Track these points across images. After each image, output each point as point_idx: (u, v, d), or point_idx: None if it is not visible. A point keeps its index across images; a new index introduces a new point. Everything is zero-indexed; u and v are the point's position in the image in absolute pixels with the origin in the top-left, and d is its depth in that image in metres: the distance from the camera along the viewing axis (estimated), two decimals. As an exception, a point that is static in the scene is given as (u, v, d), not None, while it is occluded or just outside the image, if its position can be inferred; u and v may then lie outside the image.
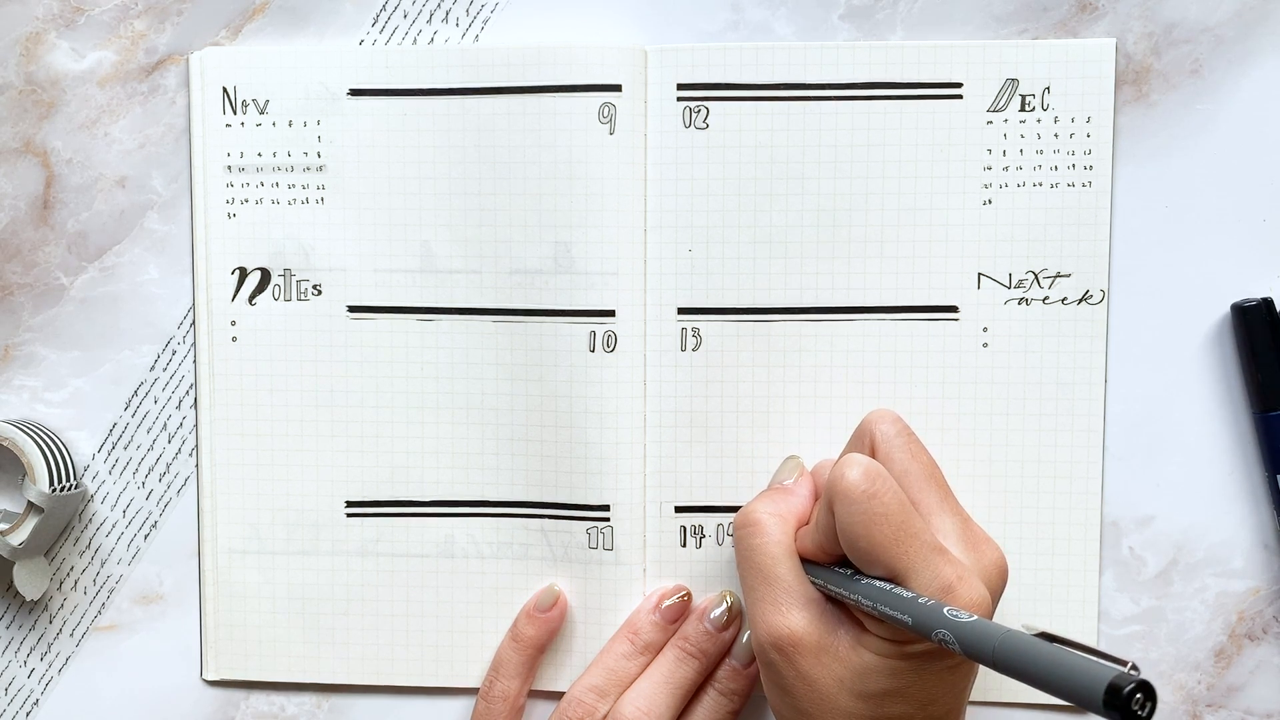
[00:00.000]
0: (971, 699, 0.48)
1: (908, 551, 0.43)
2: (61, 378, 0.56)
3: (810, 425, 0.53)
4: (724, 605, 0.53)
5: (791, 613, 0.46)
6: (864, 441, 0.48)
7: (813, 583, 0.46)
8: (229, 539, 0.55)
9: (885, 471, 0.44)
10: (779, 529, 0.48)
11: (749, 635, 0.53)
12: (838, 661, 0.45)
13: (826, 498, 0.45)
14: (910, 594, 0.42)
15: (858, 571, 0.45)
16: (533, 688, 0.55)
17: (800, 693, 0.45)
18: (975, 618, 0.40)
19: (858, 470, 0.43)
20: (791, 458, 0.53)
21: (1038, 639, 0.38)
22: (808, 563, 0.47)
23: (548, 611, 0.54)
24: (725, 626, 0.53)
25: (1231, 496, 0.53)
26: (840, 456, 0.47)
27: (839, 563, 0.46)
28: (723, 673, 0.53)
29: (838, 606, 0.46)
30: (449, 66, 0.53)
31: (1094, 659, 0.36)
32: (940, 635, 0.40)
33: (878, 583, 0.43)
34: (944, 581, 0.42)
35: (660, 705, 0.52)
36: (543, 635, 0.54)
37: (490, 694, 0.54)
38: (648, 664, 0.53)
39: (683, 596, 0.53)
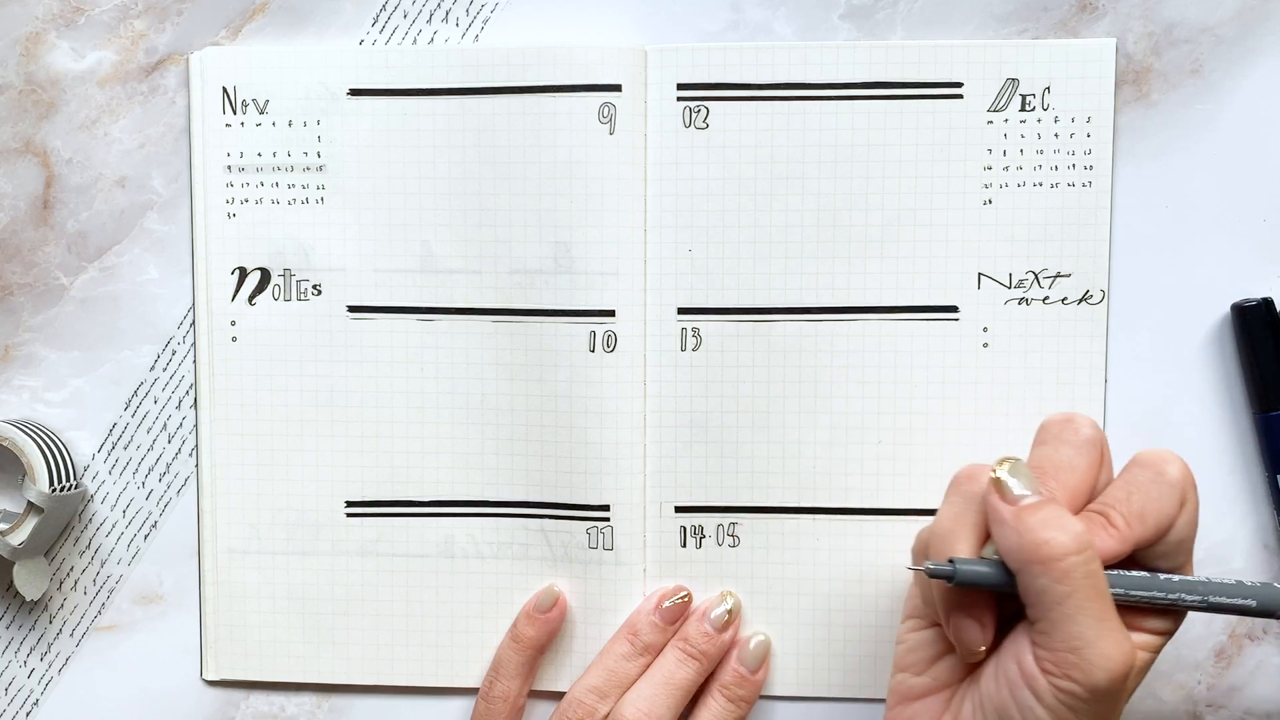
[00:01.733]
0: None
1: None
2: (61, 378, 0.56)
3: (810, 425, 0.53)
4: (724, 606, 0.53)
5: (1128, 634, 0.41)
6: (1090, 446, 0.45)
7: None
8: (229, 539, 0.55)
9: None
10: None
11: (761, 641, 0.53)
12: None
13: (1177, 491, 0.43)
14: (1232, 580, 0.43)
15: (1152, 569, 0.44)
16: (533, 688, 0.55)
17: (1112, 714, 0.42)
18: None
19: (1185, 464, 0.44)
20: (1018, 461, 0.43)
21: None
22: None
23: (548, 612, 0.54)
24: (725, 627, 0.53)
25: (1231, 496, 0.53)
26: (1039, 454, 0.45)
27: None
28: (730, 678, 0.53)
29: None
30: (449, 66, 0.53)
31: None
32: None
33: (1178, 577, 0.43)
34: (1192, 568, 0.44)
35: (661, 707, 0.52)
36: (543, 636, 0.54)
37: (490, 694, 0.54)
38: (647, 665, 0.53)
39: (683, 597, 0.53)
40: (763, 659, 0.53)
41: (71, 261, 0.56)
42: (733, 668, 0.53)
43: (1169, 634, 0.44)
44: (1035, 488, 0.42)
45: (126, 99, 0.55)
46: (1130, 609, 0.43)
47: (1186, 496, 0.43)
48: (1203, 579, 0.43)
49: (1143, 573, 0.43)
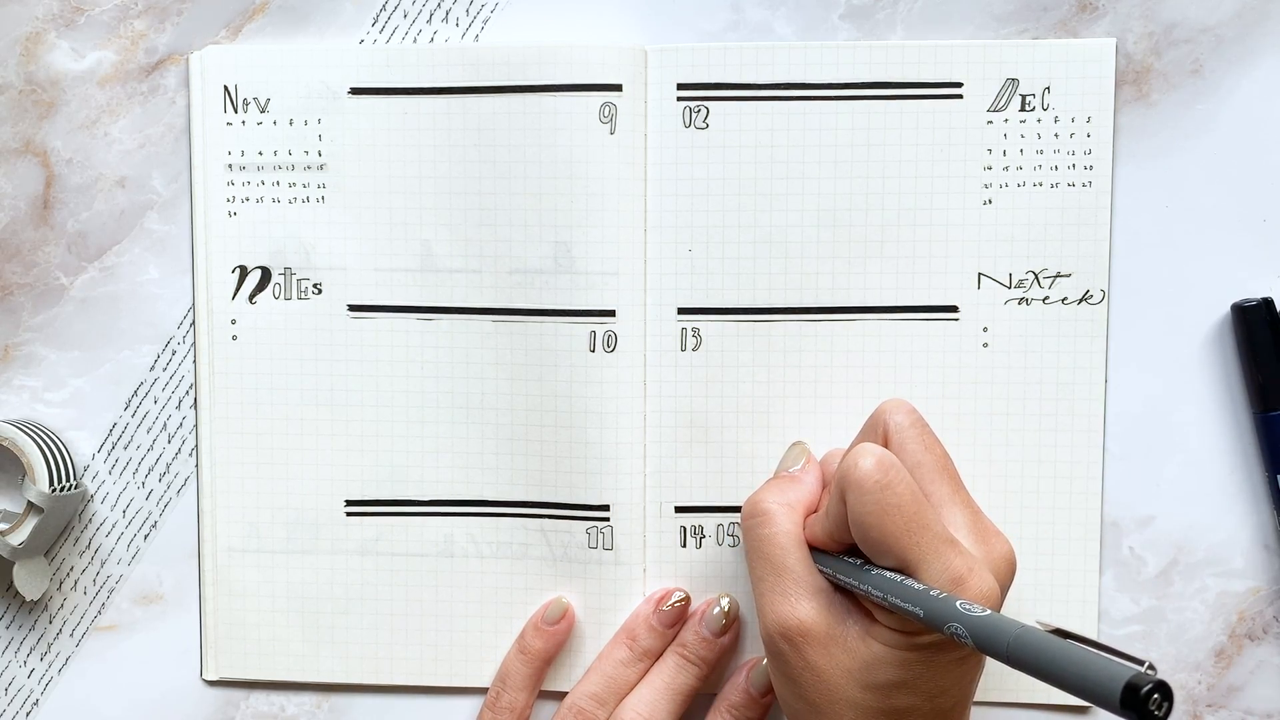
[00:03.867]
0: (975, 699, 0.48)
1: (919, 543, 0.43)
2: (61, 378, 0.56)
3: (810, 425, 0.53)
4: (719, 610, 0.53)
5: (801, 603, 0.45)
6: (877, 431, 0.47)
7: (821, 572, 0.46)
8: (229, 538, 0.55)
9: (898, 462, 0.44)
10: (788, 518, 0.47)
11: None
12: (846, 652, 0.44)
13: (838, 487, 0.44)
14: (921, 586, 0.42)
15: (867, 561, 0.45)
16: (539, 690, 0.54)
17: (808, 683, 0.45)
18: (989, 612, 0.40)
19: (871, 460, 0.43)
20: (797, 444, 0.52)
21: (1053, 635, 0.38)
22: (816, 551, 0.47)
23: (556, 624, 0.53)
24: (722, 632, 0.53)
25: (1231, 496, 0.53)
26: (852, 446, 0.47)
27: (848, 552, 0.46)
28: (739, 698, 0.53)
29: (847, 596, 0.46)
30: (449, 66, 0.53)
31: (1111, 658, 0.36)
32: (953, 629, 0.40)
33: (888, 574, 0.43)
34: (954, 573, 0.42)
35: (661, 712, 0.52)
36: (551, 648, 0.53)
37: (497, 705, 0.53)
38: (646, 670, 0.53)
39: (681, 600, 0.53)
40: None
41: (71, 261, 0.56)
42: (742, 688, 0.53)
43: (908, 632, 0.43)
44: (788, 467, 0.51)
45: (126, 99, 0.55)
46: (874, 604, 0.44)
47: (853, 496, 0.43)
48: (899, 579, 0.43)
49: (853, 561, 0.45)
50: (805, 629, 0.45)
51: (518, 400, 0.54)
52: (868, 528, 0.43)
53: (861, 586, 0.44)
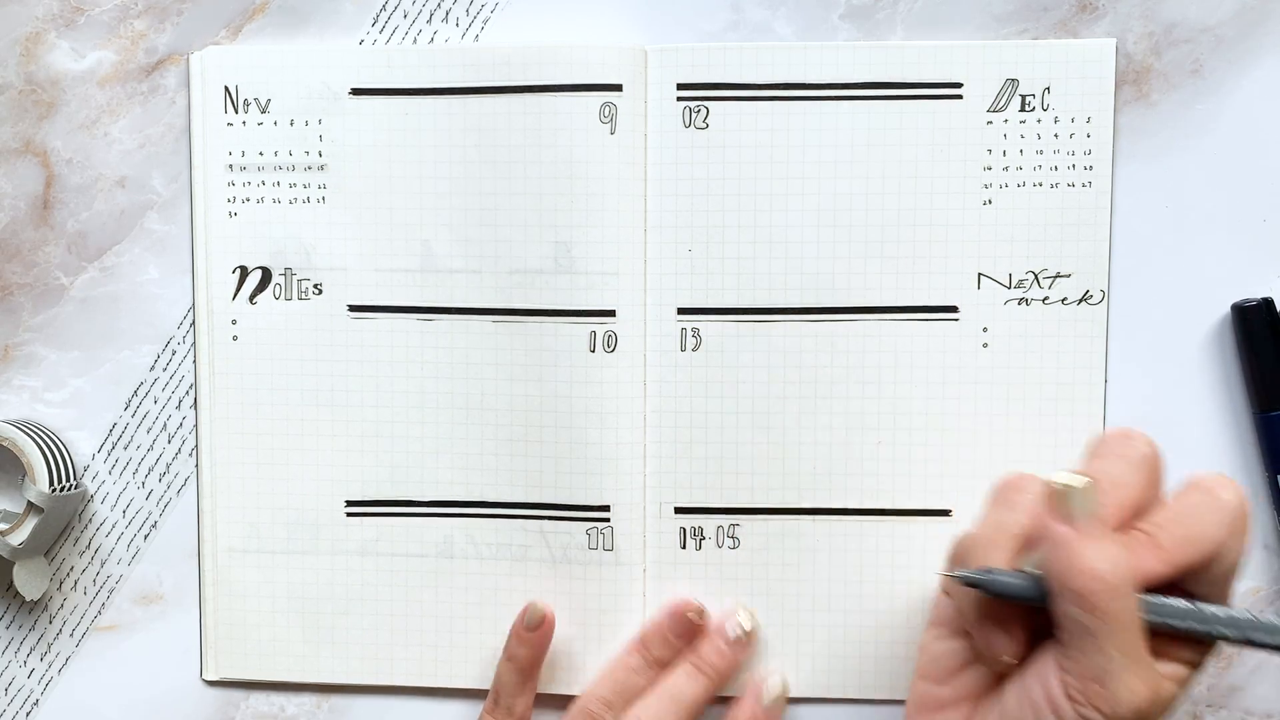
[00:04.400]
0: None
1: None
2: (61, 378, 0.56)
3: (810, 425, 0.53)
4: (739, 622, 0.53)
5: (1153, 667, 0.40)
6: (1146, 464, 0.43)
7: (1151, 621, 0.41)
8: (229, 538, 0.55)
9: None
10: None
11: (777, 683, 0.53)
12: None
13: (1229, 518, 0.41)
14: (1275, 618, 0.41)
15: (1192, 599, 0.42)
16: (535, 692, 0.54)
17: None
18: None
19: (1237, 487, 0.42)
20: (1090, 481, 0.41)
21: None
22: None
23: (536, 630, 0.53)
24: (740, 646, 0.53)
25: (1232, 496, 0.53)
26: (1093, 468, 0.43)
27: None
28: (744, 716, 0.53)
29: None
30: (449, 66, 0.53)
31: None
32: None
33: (1232, 611, 0.41)
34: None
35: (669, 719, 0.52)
36: (536, 653, 0.53)
37: (496, 709, 0.53)
38: (656, 677, 0.53)
39: (698, 614, 0.53)
40: (777, 698, 0.53)
41: (71, 261, 0.56)
42: (748, 708, 0.53)
43: (1197, 665, 0.42)
44: (1099, 513, 0.40)
45: (126, 99, 0.55)
46: (1164, 636, 0.41)
47: (1239, 524, 0.41)
48: (1245, 613, 0.41)
49: (1184, 602, 0.41)
50: (1168, 693, 0.40)
51: (518, 400, 0.54)
52: (1240, 553, 0.41)
53: (1207, 628, 0.41)
